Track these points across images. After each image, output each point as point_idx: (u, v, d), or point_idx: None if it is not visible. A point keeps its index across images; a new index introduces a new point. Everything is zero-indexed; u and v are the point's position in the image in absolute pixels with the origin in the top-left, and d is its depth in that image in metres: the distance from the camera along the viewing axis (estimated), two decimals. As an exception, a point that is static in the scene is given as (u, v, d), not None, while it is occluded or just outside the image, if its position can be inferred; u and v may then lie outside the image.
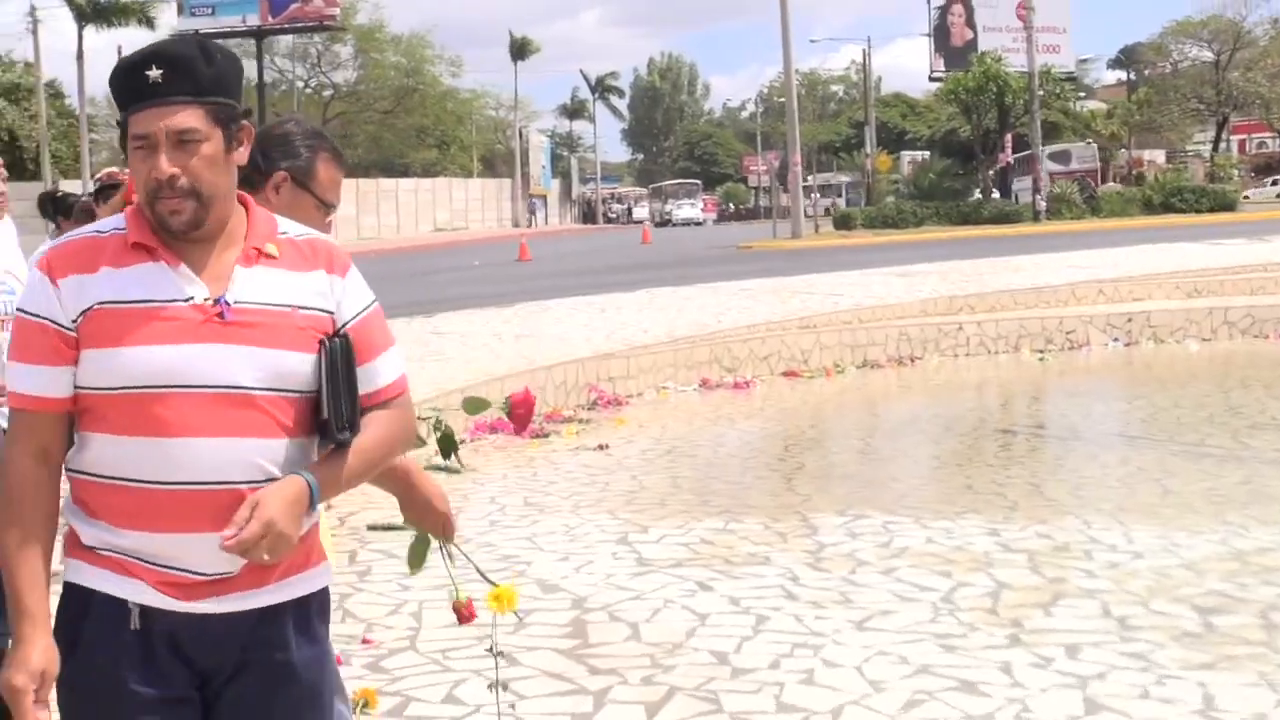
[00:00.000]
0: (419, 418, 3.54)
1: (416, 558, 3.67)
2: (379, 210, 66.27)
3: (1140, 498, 8.97)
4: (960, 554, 7.46)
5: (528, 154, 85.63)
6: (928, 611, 6.38)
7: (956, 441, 11.81)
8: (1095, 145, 66.03)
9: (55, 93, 56.89)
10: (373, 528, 8.28)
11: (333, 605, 6.26)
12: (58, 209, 8.11)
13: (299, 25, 62.19)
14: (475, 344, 15.54)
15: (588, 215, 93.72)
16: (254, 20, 59.34)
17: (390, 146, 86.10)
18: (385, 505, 8.81)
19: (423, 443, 3.62)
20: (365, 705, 5.18)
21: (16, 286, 4.59)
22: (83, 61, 49.75)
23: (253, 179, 3.23)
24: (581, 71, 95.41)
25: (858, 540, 7.81)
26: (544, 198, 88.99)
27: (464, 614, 3.85)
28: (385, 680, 5.58)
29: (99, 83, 50.97)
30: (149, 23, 51.01)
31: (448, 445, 3.80)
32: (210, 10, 59.27)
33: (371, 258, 47.98)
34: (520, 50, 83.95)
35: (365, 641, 6.08)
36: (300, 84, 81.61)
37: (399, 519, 8.12)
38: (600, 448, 11.10)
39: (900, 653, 5.77)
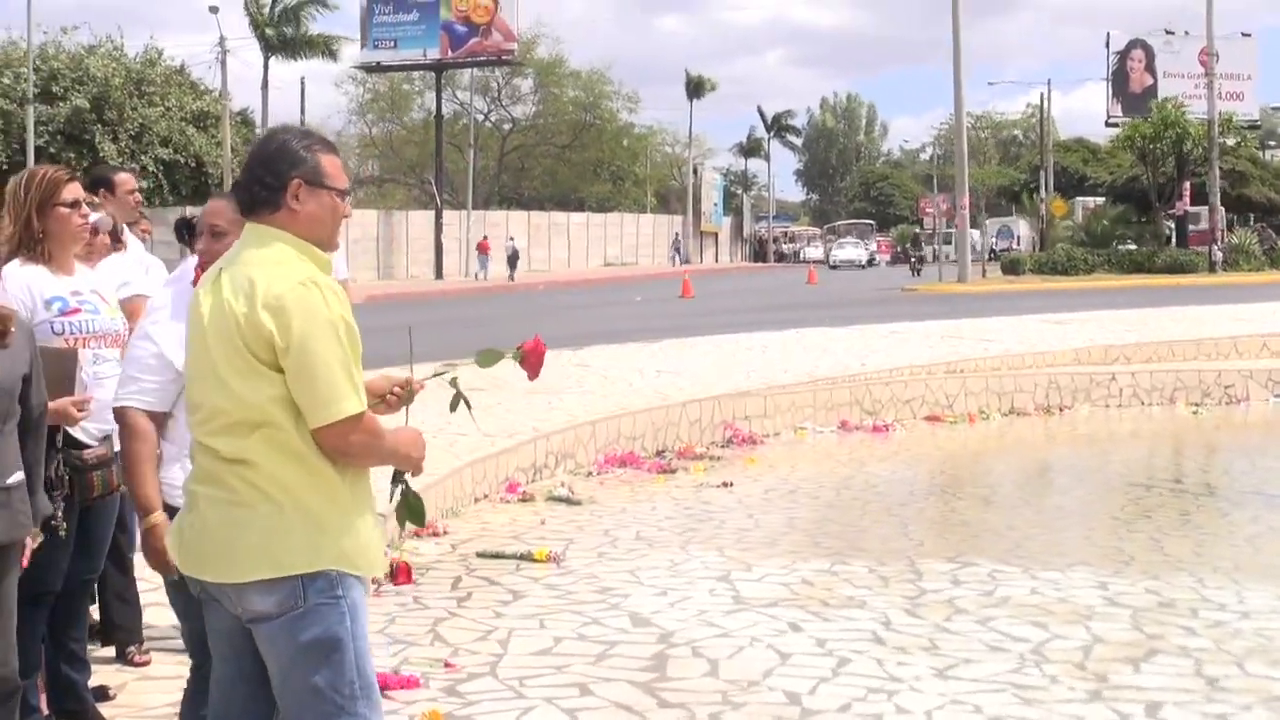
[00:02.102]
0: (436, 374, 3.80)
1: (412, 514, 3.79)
2: (550, 243, 67.06)
3: (1264, 558, 8.76)
4: (1062, 606, 7.36)
5: (700, 191, 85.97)
6: (1013, 662, 6.32)
7: (1086, 493, 11.62)
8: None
9: (244, 120, 58.51)
10: (481, 555, 8.44)
11: (425, 628, 6.46)
12: (190, 233, 8.44)
13: (477, 60, 63.29)
14: (616, 378, 15.68)
15: (759, 254, 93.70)
16: (434, 54, 60.51)
17: (566, 180, 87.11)
18: (497, 534, 8.99)
19: None
20: (433, 728, 5.29)
21: (101, 306, 4.80)
22: (267, 91, 51.26)
23: (269, 198, 3.38)
24: (759, 109, 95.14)
25: (960, 588, 7.76)
26: (715, 235, 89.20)
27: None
28: (458, 704, 5.69)
29: (286, 112, 52.62)
30: (332, 55, 52.41)
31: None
32: (393, 44, 60.60)
33: (539, 290, 48.60)
34: (696, 88, 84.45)
35: (448, 666, 6.19)
36: (480, 117, 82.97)
37: (508, 547, 8.35)
38: (724, 485, 11.14)
39: (975, 702, 5.73)
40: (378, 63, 63.12)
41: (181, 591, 3.74)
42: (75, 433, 4.61)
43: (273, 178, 3.43)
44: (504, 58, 62.96)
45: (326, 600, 3.33)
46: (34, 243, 4.80)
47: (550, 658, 6.36)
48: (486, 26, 59.72)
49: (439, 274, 57.22)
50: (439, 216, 58.99)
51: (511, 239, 61.25)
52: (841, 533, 9.48)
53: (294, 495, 3.32)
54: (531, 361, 3.96)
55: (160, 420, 4.15)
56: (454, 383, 3.79)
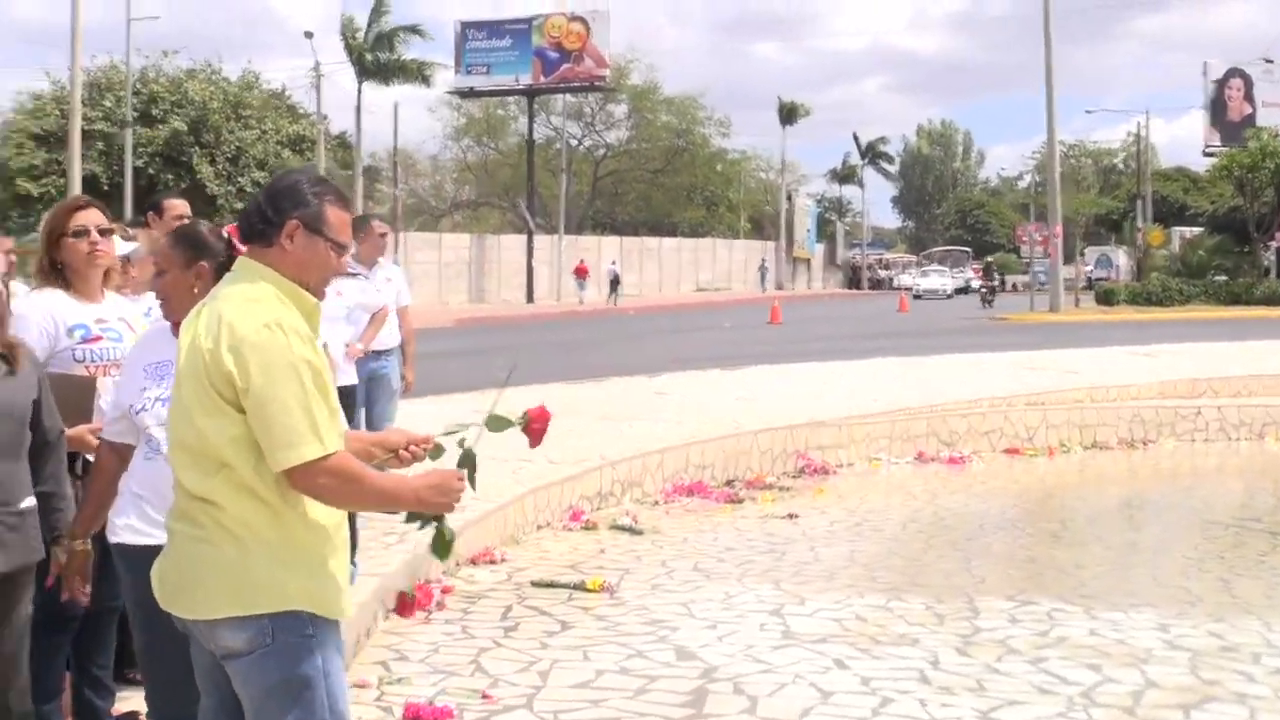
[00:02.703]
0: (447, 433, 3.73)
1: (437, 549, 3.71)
2: (642, 268, 67.17)
3: (1338, 602, 8.52)
4: (1119, 648, 7.20)
5: (793, 217, 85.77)
6: (1060, 705, 6.18)
7: (1160, 530, 11.40)
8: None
9: (342, 143, 59.14)
10: (535, 584, 8.41)
11: (468, 658, 6.43)
12: None
13: (569, 85, 63.65)
14: (692, 406, 15.61)
15: (852, 280, 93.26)
16: (526, 80, 60.94)
17: (659, 205, 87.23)
18: (555, 563, 8.95)
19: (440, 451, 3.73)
20: (457, 760, 5.25)
21: (126, 335, 4.83)
22: (361, 115, 51.85)
23: (266, 232, 3.38)
24: (854, 135, 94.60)
25: (1016, 627, 7.61)
26: (807, 261, 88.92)
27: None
28: (489, 736, 5.66)
29: (381, 136, 53.14)
30: (426, 81, 52.86)
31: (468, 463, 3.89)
32: (485, 69, 61.11)
33: (630, 315, 48.66)
34: (789, 114, 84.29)
35: (485, 697, 6.16)
36: (574, 142, 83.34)
37: (563, 577, 8.31)
38: (789, 517, 11.03)
39: (1015, 747, 5.61)
40: (471, 88, 63.68)
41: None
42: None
43: (274, 213, 3.44)
44: (595, 84, 63.28)
45: (296, 639, 3.32)
46: (54, 271, 4.87)
47: (589, 691, 6.31)
48: (578, 53, 60.07)
49: (530, 298, 57.48)
50: (531, 241, 59.31)
51: (613, 263, 61.52)
52: (903, 567, 9.35)
53: (258, 535, 3.31)
54: (534, 429, 3.91)
55: (125, 454, 4.22)
56: (462, 443, 3.74)
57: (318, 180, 3.56)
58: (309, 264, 3.46)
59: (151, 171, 53.12)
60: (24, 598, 4.28)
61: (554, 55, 60.28)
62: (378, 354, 9.50)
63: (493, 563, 8.99)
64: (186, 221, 7.65)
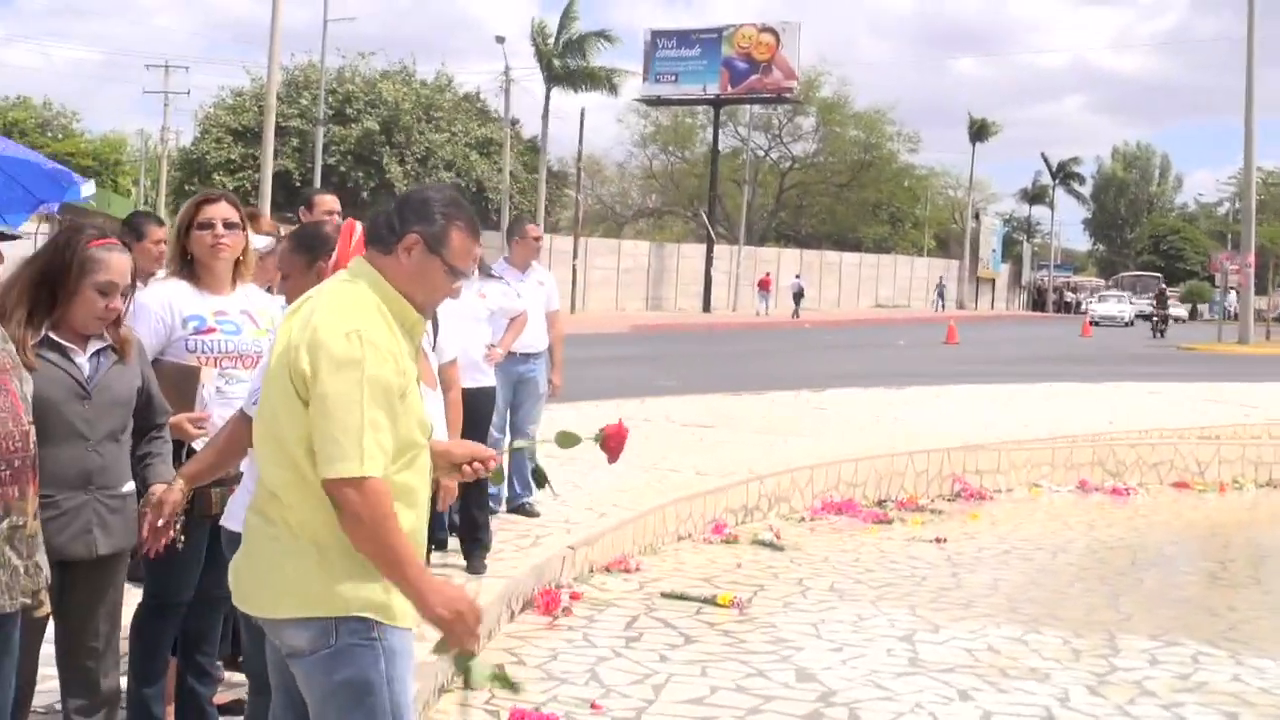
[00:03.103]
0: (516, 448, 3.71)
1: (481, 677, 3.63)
2: (820, 282, 66.78)
3: None
4: (1262, 697, 6.90)
5: (979, 236, 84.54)
6: (1188, 754, 5.94)
7: (1326, 576, 10.93)
8: None
9: (531, 147, 59.73)
10: (665, 595, 8.35)
11: (585, 667, 6.40)
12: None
13: (757, 96, 63.55)
14: (850, 422, 15.45)
15: (1037, 302, 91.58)
16: (714, 89, 60.97)
17: (843, 219, 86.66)
18: (689, 575, 8.89)
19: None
20: (551, 772, 5.21)
21: (246, 327, 4.88)
22: (548, 121, 52.28)
23: (387, 239, 3.36)
24: (1043, 155, 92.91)
25: (1156, 668, 7.35)
26: (991, 281, 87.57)
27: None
28: (590, 748, 5.61)
29: (568, 141, 53.64)
30: (613, 88, 53.15)
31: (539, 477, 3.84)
32: (674, 78, 61.28)
33: (806, 329, 48.40)
34: (979, 132, 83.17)
35: (594, 707, 6.11)
36: (760, 153, 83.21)
37: (695, 590, 8.24)
38: (936, 541, 10.82)
39: (1134, 793, 5.40)
40: (658, 96, 63.92)
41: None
42: (196, 448, 4.69)
43: (399, 222, 3.39)
44: (782, 95, 63.06)
45: (360, 642, 3.28)
46: (183, 262, 4.94)
47: (700, 708, 6.23)
48: (767, 64, 59.95)
49: (706, 307, 57.49)
50: (710, 250, 59.32)
51: (797, 276, 61.37)
52: (1045, 599, 9.09)
53: (321, 538, 3.28)
54: (612, 446, 3.87)
55: None
56: (532, 456, 3.70)
57: (452, 201, 3.48)
58: (420, 281, 3.40)
59: (343, 169, 54.28)
60: (118, 581, 4.35)
61: (742, 66, 60.23)
62: (526, 357, 9.53)
63: (627, 571, 8.95)
64: (338, 218, 7.79)
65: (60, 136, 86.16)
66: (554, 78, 51.86)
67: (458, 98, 59.88)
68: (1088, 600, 9.13)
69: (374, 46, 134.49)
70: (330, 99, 54.43)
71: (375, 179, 54.61)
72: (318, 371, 3.23)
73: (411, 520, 3.36)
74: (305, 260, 4.42)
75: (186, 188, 53.58)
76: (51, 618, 4.29)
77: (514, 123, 61.54)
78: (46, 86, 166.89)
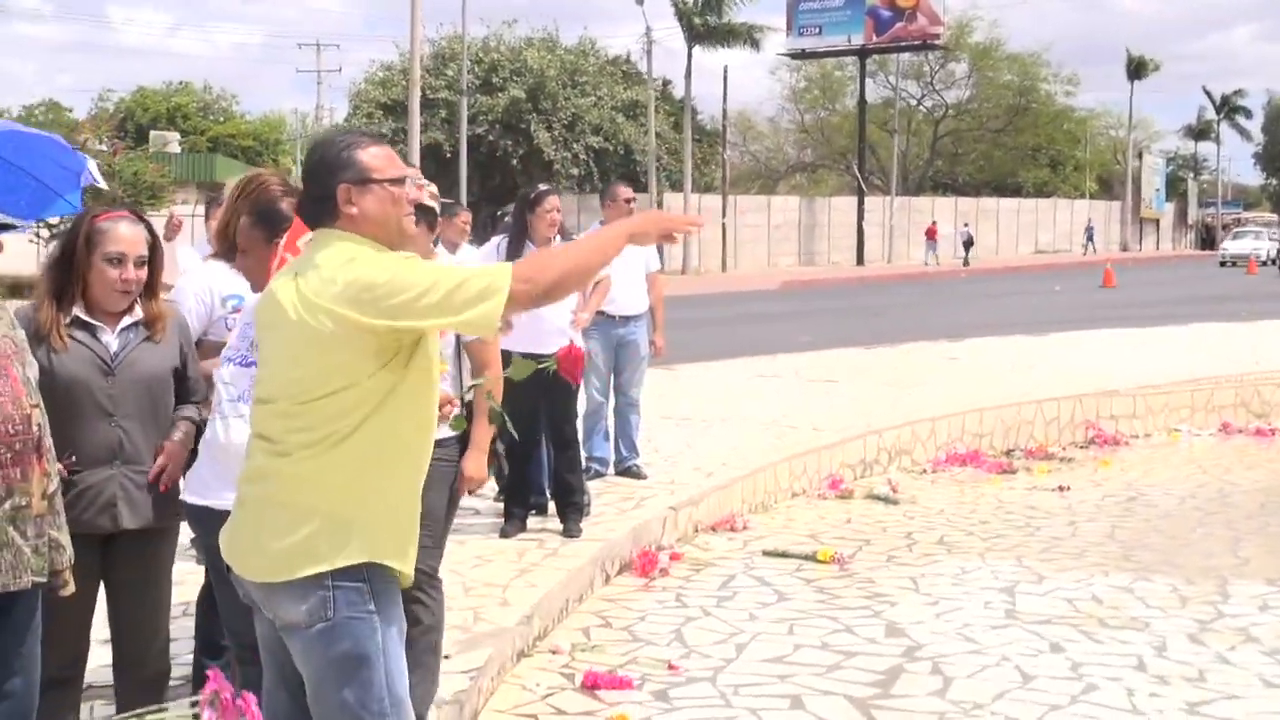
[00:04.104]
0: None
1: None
2: (978, 230, 65.57)
3: None
4: (1374, 642, 6.67)
5: (1141, 176, 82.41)
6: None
7: None
8: None
9: (683, 108, 59.49)
10: (767, 553, 8.32)
11: (672, 628, 6.40)
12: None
13: (902, 45, 62.59)
14: (982, 372, 15.21)
15: (1205, 241, 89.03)
16: (859, 39, 60.14)
17: (1001, 165, 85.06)
18: (796, 532, 8.84)
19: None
20: (614, 732, 5.22)
21: None
22: (690, 80, 51.99)
23: (328, 208, 3.37)
24: (1204, 90, 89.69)
25: (1265, 614, 7.13)
26: (1155, 222, 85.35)
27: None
28: (660, 709, 5.60)
29: (713, 99, 53.33)
30: (755, 44, 52.69)
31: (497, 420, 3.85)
32: (817, 30, 60.57)
33: (960, 278, 47.73)
34: (1137, 69, 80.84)
35: (671, 667, 6.10)
36: (913, 102, 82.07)
37: (799, 546, 8.19)
38: (1059, 489, 10.62)
39: (1214, 744, 5.26)
40: (802, 50, 63.30)
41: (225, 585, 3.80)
42: None
43: (321, 189, 3.40)
44: (928, 42, 62.00)
45: (358, 615, 3.29)
46: (228, 242, 4.98)
47: (780, 666, 6.19)
48: (912, 11, 58.96)
49: (860, 259, 56.96)
50: (861, 202, 58.72)
51: (965, 225, 60.54)
52: (1163, 546, 8.86)
53: (317, 502, 3.32)
54: (565, 368, 3.86)
55: None
56: (489, 396, 3.70)
57: (340, 136, 3.50)
58: (378, 219, 3.40)
59: (491, 139, 54.67)
60: (162, 559, 4.45)
61: (886, 14, 59.33)
62: (626, 320, 9.52)
63: (733, 530, 8.92)
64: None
65: (221, 119, 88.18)
66: (695, 36, 51.55)
67: (602, 62, 59.90)
68: (1207, 546, 8.89)
69: (517, 14, 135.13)
70: (476, 69, 54.79)
71: (523, 147, 54.91)
72: (369, 279, 3.24)
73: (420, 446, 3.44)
74: (264, 236, 4.39)
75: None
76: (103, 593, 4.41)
77: (665, 84, 61.37)
78: (209, 71, 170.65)
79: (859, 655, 6.34)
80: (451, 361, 4.75)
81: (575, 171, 55.66)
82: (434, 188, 5.19)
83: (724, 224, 51.19)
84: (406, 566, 3.40)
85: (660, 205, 51.03)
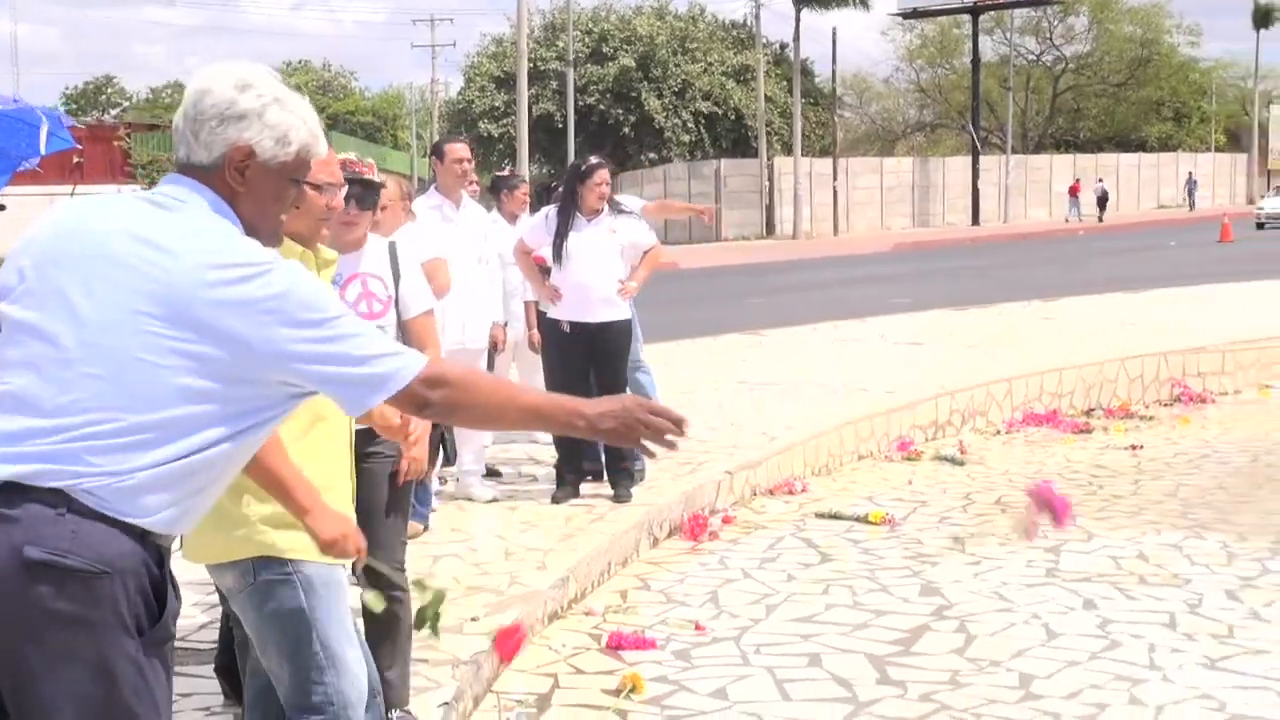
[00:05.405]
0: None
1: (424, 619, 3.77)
2: (1086, 186, 64.61)
3: None
4: None
5: (1268, 127, 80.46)
6: (1307, 657, 5.73)
7: None
8: None
9: (805, 70, 59.14)
10: (819, 515, 8.39)
11: (708, 590, 6.51)
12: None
13: (1016, 1, 61.78)
14: (1072, 331, 15.09)
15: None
16: (971, -3, 59.49)
17: (1123, 120, 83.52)
18: (854, 494, 8.89)
19: None
20: (631, 690, 5.35)
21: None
22: (798, 42, 51.68)
23: None
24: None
25: (1313, 570, 7.08)
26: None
27: None
28: (678, 668, 5.71)
29: (825, 61, 52.82)
30: (864, 4, 52.27)
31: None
32: (929, -12, 60.03)
33: (1078, 235, 47.09)
34: (1263, 18, 78.85)
35: (698, 628, 6.21)
36: (1031, 58, 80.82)
37: (854, 508, 8.26)
38: (1131, 449, 10.55)
39: (1224, 699, 5.26)
40: (914, 8, 62.60)
41: None
42: None
43: None
44: (1043, -2, 61.06)
45: (277, 577, 3.46)
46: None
47: (807, 625, 6.27)
48: (1026, -35, 58.08)
49: (975, 220, 56.34)
50: (976, 161, 58.04)
51: (1100, 180, 59.68)
52: (1225, 503, 8.77)
53: (242, 482, 3.39)
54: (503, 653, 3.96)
55: None
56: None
57: None
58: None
59: (602, 108, 54.92)
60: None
61: (1000, -31, 58.57)
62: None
63: (790, 493, 9.01)
64: (467, 164, 7.97)
65: (341, 96, 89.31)
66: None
67: (712, 27, 59.79)
68: (1270, 504, 8.79)
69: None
70: (585, 39, 55.03)
71: (634, 115, 55.10)
72: None
73: None
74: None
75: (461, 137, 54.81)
76: None
77: (781, 47, 60.97)
78: (330, 49, 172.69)
79: (889, 614, 6.40)
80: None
81: (686, 138, 55.70)
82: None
83: (835, 187, 50.92)
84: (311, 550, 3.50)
85: (771, 170, 50.92)
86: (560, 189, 8.58)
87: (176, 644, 4.80)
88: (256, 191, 2.77)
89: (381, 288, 4.67)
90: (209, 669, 4.94)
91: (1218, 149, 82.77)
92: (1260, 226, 45.71)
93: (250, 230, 2.74)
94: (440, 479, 8.07)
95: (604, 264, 8.04)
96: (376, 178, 4.65)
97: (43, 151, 6.93)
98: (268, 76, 2.81)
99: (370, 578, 3.69)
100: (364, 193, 4.53)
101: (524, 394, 2.95)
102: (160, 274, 2.56)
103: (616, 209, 8.21)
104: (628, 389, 8.32)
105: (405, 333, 4.70)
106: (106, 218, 2.67)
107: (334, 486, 3.60)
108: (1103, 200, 57.59)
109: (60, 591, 2.47)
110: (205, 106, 2.74)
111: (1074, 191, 58.23)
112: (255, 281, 2.57)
